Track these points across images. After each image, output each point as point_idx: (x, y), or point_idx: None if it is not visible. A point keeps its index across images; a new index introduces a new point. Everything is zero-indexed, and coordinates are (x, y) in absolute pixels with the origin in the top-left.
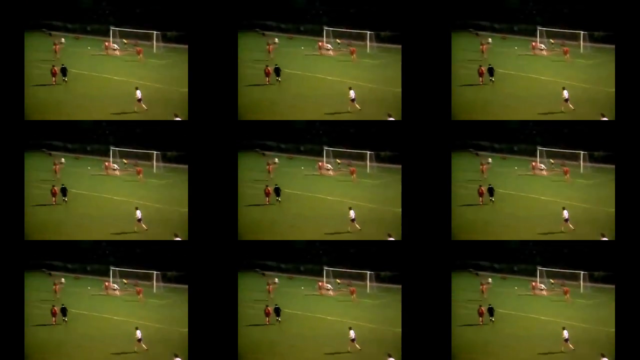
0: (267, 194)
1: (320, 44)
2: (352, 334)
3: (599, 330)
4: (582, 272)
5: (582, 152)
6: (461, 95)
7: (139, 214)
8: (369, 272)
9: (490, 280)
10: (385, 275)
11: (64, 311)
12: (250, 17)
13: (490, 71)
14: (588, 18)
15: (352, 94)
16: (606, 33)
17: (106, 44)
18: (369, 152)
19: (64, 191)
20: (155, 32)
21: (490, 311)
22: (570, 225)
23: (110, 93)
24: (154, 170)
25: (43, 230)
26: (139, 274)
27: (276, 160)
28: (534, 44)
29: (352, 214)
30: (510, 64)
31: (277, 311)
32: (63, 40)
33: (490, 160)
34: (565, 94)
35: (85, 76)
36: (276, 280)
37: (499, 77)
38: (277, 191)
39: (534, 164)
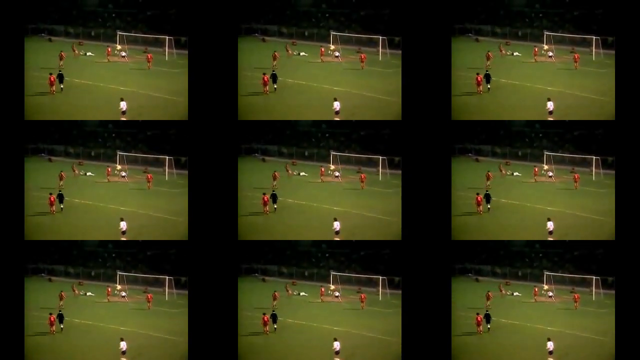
0: (265, 203)
1: (322, 49)
2: (336, 345)
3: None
4: (594, 277)
5: (594, 157)
6: (460, 104)
7: (123, 225)
8: (381, 278)
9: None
10: (398, 280)
11: (60, 318)
12: (249, 20)
13: (487, 78)
14: (600, 22)
15: (336, 105)
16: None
17: (108, 49)
18: (381, 158)
19: (60, 198)
20: (167, 37)
21: (487, 318)
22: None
23: (112, 102)
24: (166, 178)
25: (41, 234)
26: (148, 280)
27: (300, 173)
28: (536, 49)
29: (336, 225)
30: (514, 72)
31: (274, 318)
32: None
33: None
34: (550, 105)
35: (88, 86)
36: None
37: (501, 87)
38: (274, 198)
39: (536, 169)
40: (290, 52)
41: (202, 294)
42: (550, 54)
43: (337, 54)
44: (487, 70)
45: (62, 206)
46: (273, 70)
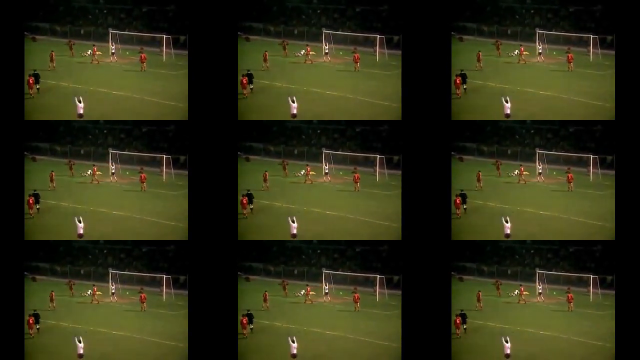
0: (244, 206)
1: (307, 49)
2: (293, 348)
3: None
4: (591, 276)
5: (591, 156)
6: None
7: (80, 227)
8: (378, 277)
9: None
10: (397, 279)
11: (36, 318)
12: (234, 18)
13: (463, 78)
14: (598, 20)
15: (293, 108)
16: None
17: (94, 49)
18: (378, 156)
19: (36, 198)
20: (165, 35)
21: (463, 318)
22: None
23: (102, 105)
24: (163, 179)
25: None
26: (144, 279)
27: (302, 172)
28: (522, 49)
29: (293, 228)
30: (502, 75)
31: (250, 319)
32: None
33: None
34: (507, 107)
35: (76, 89)
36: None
37: (478, 89)
38: (250, 198)
39: (522, 168)
40: (286, 51)
41: (203, 295)
42: (540, 52)
43: (326, 51)
44: (461, 70)
45: (38, 207)
46: (248, 70)
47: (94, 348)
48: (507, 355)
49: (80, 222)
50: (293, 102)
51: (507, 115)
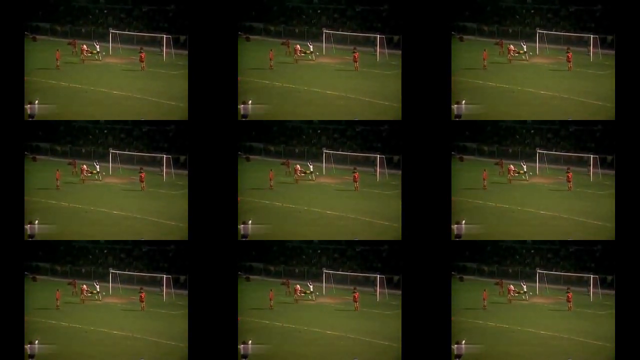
0: None
1: (298, 47)
2: (243, 349)
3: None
4: (591, 276)
5: (591, 156)
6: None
7: (32, 228)
8: (379, 276)
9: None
10: (397, 279)
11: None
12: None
13: None
14: (599, 19)
15: (243, 109)
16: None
17: (83, 46)
18: (378, 156)
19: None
20: (165, 35)
21: None
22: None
23: (102, 105)
24: (163, 179)
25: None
26: (144, 279)
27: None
28: (511, 47)
29: (243, 229)
30: (502, 74)
31: None
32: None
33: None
34: (457, 109)
35: (76, 89)
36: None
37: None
38: None
39: (511, 167)
40: (289, 49)
41: (203, 295)
42: (525, 51)
43: (311, 49)
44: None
45: None
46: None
47: (94, 348)
48: (458, 356)
49: (31, 222)
50: (244, 103)
51: (458, 116)
